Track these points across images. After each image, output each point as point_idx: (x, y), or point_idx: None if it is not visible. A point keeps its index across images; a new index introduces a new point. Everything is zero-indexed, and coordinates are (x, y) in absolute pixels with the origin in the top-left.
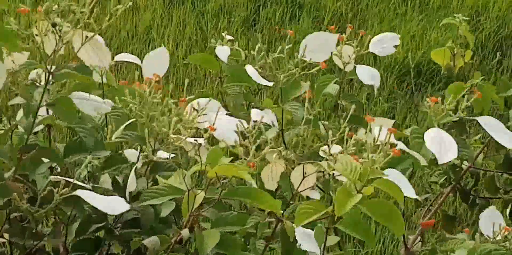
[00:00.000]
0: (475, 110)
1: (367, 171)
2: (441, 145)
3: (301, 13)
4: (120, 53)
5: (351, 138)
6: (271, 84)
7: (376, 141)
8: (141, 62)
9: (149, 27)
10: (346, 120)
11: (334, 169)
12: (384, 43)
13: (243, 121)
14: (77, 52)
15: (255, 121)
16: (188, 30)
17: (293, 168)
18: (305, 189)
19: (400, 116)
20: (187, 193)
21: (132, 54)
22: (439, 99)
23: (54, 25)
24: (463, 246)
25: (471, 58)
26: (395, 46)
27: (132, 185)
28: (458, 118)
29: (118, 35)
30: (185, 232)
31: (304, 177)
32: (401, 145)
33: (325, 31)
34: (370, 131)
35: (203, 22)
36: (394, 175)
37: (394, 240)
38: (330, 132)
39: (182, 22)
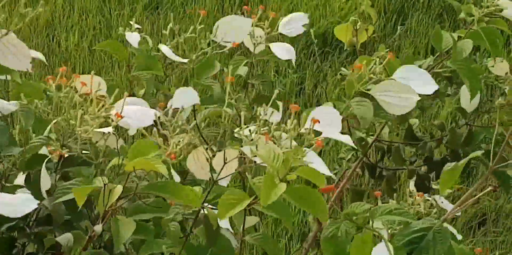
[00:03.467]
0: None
1: (290, 160)
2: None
3: None
4: None
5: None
6: (185, 60)
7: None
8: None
9: (51, 19)
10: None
11: (256, 155)
12: (293, 24)
13: (155, 109)
14: None
15: (175, 108)
16: (91, 19)
17: (214, 155)
18: (228, 176)
19: (309, 86)
20: (102, 188)
21: (36, 49)
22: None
23: None
24: (364, 208)
25: (375, 22)
26: (304, 25)
27: (46, 183)
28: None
29: (19, 31)
30: (97, 228)
31: (225, 163)
32: (328, 135)
33: (228, 10)
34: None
35: (106, 10)
36: (310, 155)
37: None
38: (242, 113)
39: (84, 11)
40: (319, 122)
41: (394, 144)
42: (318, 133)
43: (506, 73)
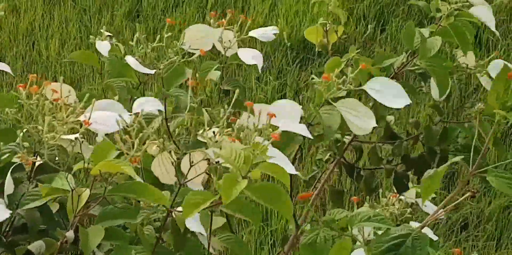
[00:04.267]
0: (353, 84)
1: (250, 156)
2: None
3: None
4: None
5: (234, 123)
6: (152, 72)
7: (257, 126)
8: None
9: (31, 29)
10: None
11: (218, 156)
12: (265, 32)
13: (123, 114)
14: None
15: (135, 114)
16: (71, 28)
17: (178, 158)
18: (196, 177)
19: (290, 93)
20: (70, 193)
21: (17, 58)
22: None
23: None
24: (343, 215)
25: (355, 28)
26: (275, 34)
27: (9, 188)
28: (346, 91)
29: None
30: (69, 234)
31: (191, 165)
32: (284, 127)
33: (209, 19)
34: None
35: (86, 19)
36: (273, 153)
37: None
38: (205, 115)
39: (65, 20)
40: (275, 116)
41: (370, 144)
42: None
43: (476, 61)
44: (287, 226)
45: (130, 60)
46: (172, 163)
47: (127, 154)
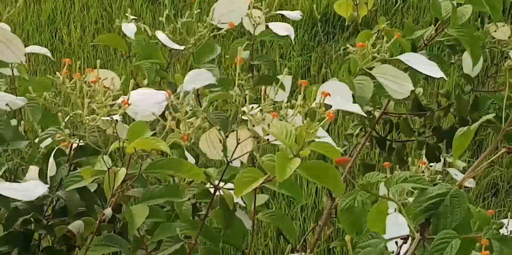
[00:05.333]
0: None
1: (302, 135)
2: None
3: None
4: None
5: (266, 98)
6: (181, 47)
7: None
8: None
9: (53, 16)
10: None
11: (268, 134)
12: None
13: (163, 92)
14: None
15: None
16: (92, 13)
17: (227, 136)
18: (243, 155)
19: (315, 67)
20: (107, 172)
21: (40, 45)
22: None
23: None
24: (379, 177)
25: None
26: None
27: (52, 169)
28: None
29: (22, 29)
30: (107, 211)
31: (238, 143)
32: (338, 106)
33: None
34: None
35: (106, 3)
36: (321, 132)
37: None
38: (247, 92)
39: (85, 6)
40: (329, 95)
41: (401, 116)
42: (328, 107)
43: (509, 37)
44: (317, 201)
45: (160, 36)
46: (220, 141)
47: (178, 132)
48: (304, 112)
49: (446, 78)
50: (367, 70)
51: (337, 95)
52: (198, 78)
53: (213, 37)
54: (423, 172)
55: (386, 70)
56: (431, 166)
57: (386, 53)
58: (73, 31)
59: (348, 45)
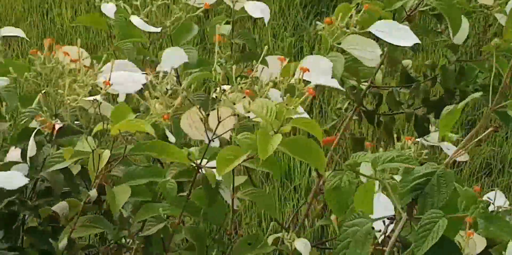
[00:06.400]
0: (360, 27)
1: (283, 111)
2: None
3: None
4: (18, 28)
5: (248, 76)
6: (158, 30)
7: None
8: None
9: None
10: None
11: (249, 111)
12: None
13: (136, 73)
14: None
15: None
16: None
17: (208, 114)
18: (225, 132)
19: (307, 47)
20: (91, 153)
21: (32, 27)
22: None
23: None
24: (366, 158)
25: None
26: None
27: (32, 150)
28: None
29: (13, 10)
30: (92, 193)
31: (219, 121)
32: (316, 81)
33: None
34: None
35: None
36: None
37: None
38: (222, 72)
39: None
40: (308, 70)
41: (389, 89)
42: (309, 83)
43: (494, 1)
44: (310, 181)
45: (135, 20)
46: (201, 119)
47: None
48: (284, 88)
49: (419, 42)
50: (337, 45)
51: (317, 70)
52: (175, 56)
53: (198, 18)
54: (409, 148)
55: (354, 41)
56: (416, 141)
57: (355, 27)
58: (64, 12)
59: (318, 23)
